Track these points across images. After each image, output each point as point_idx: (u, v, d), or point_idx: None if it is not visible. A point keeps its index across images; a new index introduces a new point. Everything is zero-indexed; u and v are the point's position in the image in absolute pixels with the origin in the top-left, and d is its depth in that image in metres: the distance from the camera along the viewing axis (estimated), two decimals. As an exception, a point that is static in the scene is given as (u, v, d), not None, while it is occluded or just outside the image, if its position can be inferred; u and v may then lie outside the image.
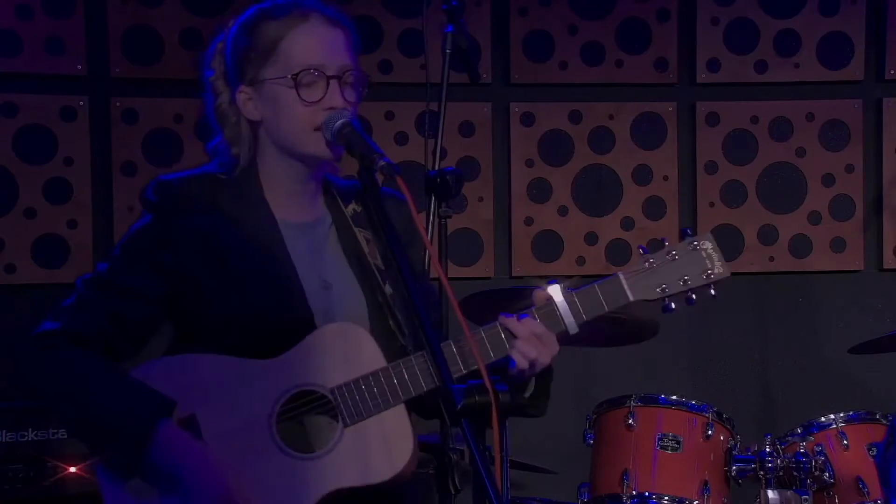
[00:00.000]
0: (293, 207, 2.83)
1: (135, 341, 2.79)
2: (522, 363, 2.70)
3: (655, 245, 2.80)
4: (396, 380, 2.67)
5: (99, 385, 2.69)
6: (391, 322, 2.80)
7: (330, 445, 2.66)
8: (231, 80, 2.82)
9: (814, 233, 5.71)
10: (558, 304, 2.74)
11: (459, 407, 2.26)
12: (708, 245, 2.81)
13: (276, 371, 2.68)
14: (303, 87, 2.72)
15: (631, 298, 2.77)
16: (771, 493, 4.30)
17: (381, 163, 2.57)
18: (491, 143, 5.60)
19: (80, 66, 5.30)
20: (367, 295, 2.81)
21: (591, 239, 5.63)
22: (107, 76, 5.35)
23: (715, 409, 4.42)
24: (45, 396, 2.72)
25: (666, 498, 4.31)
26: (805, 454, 4.34)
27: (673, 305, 2.78)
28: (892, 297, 5.69)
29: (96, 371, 2.70)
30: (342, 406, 2.66)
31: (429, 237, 3.20)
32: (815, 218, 5.71)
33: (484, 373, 2.36)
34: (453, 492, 2.88)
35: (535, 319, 2.73)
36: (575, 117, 5.64)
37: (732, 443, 4.43)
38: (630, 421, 4.39)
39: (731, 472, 4.38)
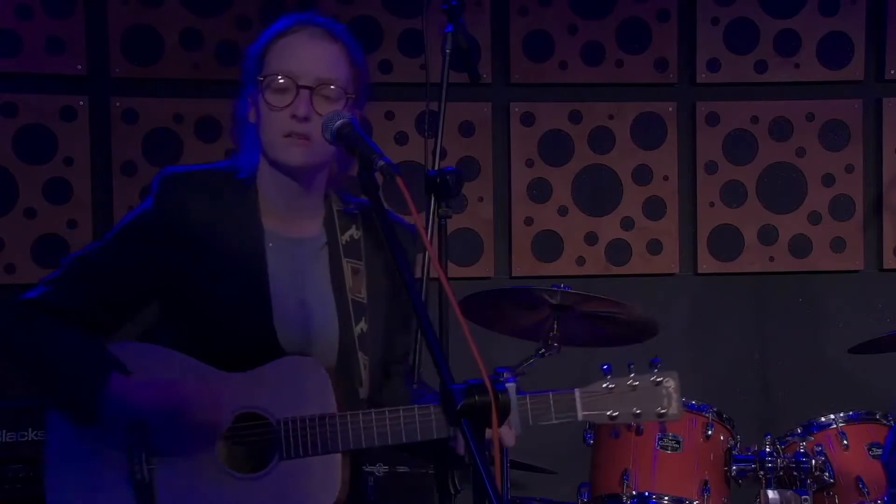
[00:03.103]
0: (287, 220, 2.87)
1: (112, 321, 2.86)
2: (460, 449, 2.75)
3: (620, 370, 2.83)
4: (340, 431, 2.73)
5: (62, 343, 2.77)
6: (355, 361, 2.85)
7: (262, 472, 2.72)
8: (243, 85, 2.89)
9: (814, 233, 5.71)
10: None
11: (459, 407, 2.25)
12: (671, 384, 2.85)
13: (233, 386, 2.74)
14: (270, 91, 2.78)
15: (579, 418, 2.81)
16: (771, 493, 4.30)
17: (381, 163, 2.57)
18: (491, 143, 5.60)
19: (80, 66, 5.30)
20: (342, 327, 2.86)
21: (591, 239, 5.63)
22: (107, 76, 5.35)
23: (715, 409, 4.42)
24: (9, 354, 2.81)
25: (666, 498, 4.31)
26: (805, 454, 4.34)
27: (618, 432, 2.83)
28: (892, 297, 5.69)
29: (62, 334, 2.78)
30: (284, 439, 2.72)
31: (429, 237, 3.20)
32: (815, 218, 5.71)
33: (484, 373, 2.36)
34: (453, 492, 2.88)
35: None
36: (575, 117, 5.64)
37: (732, 443, 4.43)
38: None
39: (731, 472, 4.38)
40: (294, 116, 2.75)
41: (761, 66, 5.68)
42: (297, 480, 2.72)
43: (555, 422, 2.76)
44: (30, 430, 4.53)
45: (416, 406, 2.76)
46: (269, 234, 2.84)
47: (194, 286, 2.79)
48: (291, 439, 2.72)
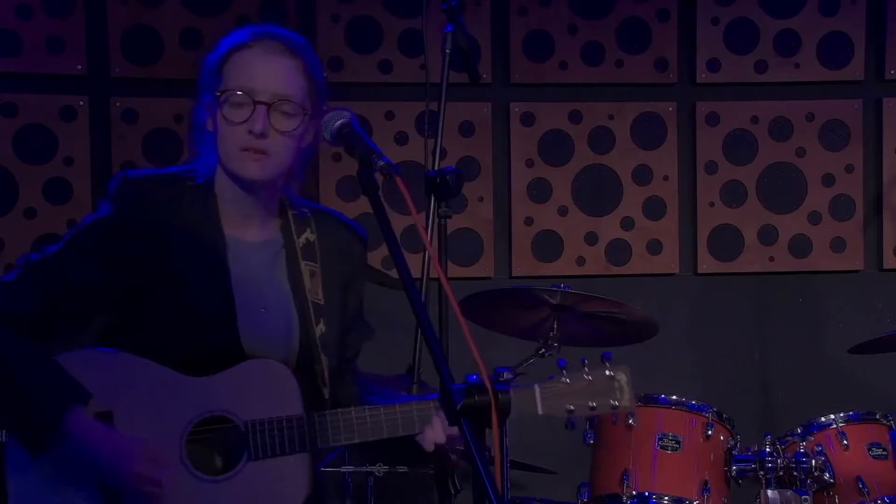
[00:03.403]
0: (245, 226, 2.89)
1: (68, 328, 2.85)
2: (427, 446, 2.82)
3: (574, 365, 2.91)
4: (308, 432, 2.77)
5: (17, 364, 2.75)
6: (316, 361, 2.88)
7: (230, 473, 2.75)
8: (200, 93, 2.91)
9: (814, 233, 5.71)
10: None
11: (459, 407, 2.25)
12: (623, 378, 2.93)
13: (199, 391, 2.77)
14: (230, 105, 2.79)
15: (540, 413, 2.88)
16: (771, 493, 4.30)
17: (381, 163, 2.58)
18: (491, 143, 5.60)
19: (80, 66, 5.30)
20: (302, 329, 2.89)
21: (591, 239, 5.63)
22: (107, 76, 5.35)
23: (715, 409, 4.42)
24: None
25: (666, 498, 4.31)
26: (805, 454, 4.34)
27: (575, 423, 2.94)
28: (892, 297, 5.69)
29: (16, 351, 2.77)
30: (252, 440, 2.75)
31: (429, 237, 3.20)
32: (815, 218, 5.71)
33: (484, 373, 2.36)
34: (453, 492, 2.88)
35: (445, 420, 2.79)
36: (575, 117, 5.64)
37: (732, 443, 4.42)
38: (630, 421, 4.38)
39: (731, 472, 4.38)
40: (251, 132, 2.78)
41: (761, 66, 5.68)
42: (266, 480, 2.75)
43: (514, 416, 2.77)
44: None
45: (381, 406, 2.81)
46: (229, 239, 2.87)
47: (155, 291, 2.80)
48: (259, 440, 2.75)
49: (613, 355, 2.94)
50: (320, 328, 2.89)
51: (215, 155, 2.86)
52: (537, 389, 2.87)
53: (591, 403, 2.89)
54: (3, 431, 4.39)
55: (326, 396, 2.88)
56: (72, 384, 2.74)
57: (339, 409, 2.81)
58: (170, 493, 2.72)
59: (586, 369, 2.90)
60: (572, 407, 2.88)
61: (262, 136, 2.77)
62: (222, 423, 2.77)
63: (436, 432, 2.80)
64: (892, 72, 5.70)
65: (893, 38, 5.69)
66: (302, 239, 2.94)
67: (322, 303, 2.91)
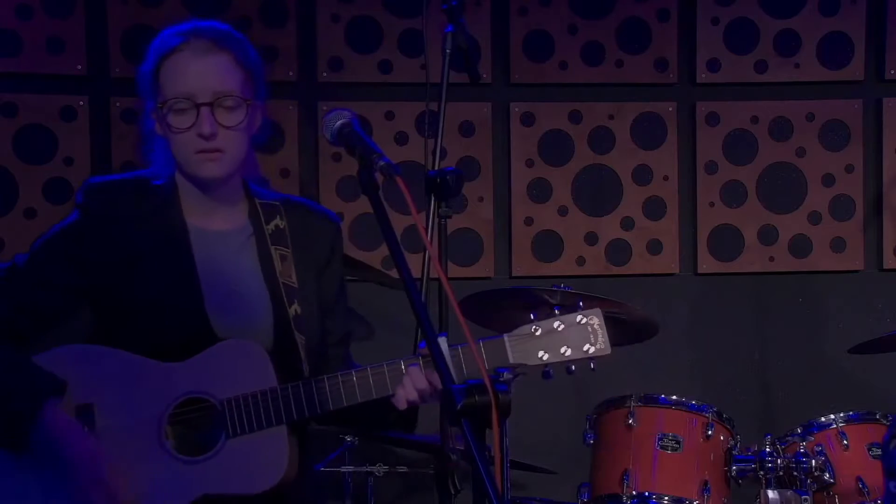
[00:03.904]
0: (209, 216, 2.94)
1: (41, 331, 2.92)
2: (401, 405, 2.85)
3: (546, 313, 2.89)
4: (282, 402, 2.80)
5: None
6: (293, 341, 2.91)
7: (211, 453, 2.79)
8: (141, 102, 2.96)
9: (814, 233, 5.71)
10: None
11: (459, 407, 2.26)
12: (595, 321, 2.90)
13: (175, 375, 2.82)
14: (174, 114, 2.84)
15: (511, 361, 2.86)
16: (771, 493, 4.30)
17: (381, 163, 2.59)
18: (491, 143, 5.60)
19: (80, 66, 5.30)
20: (276, 310, 2.93)
21: (591, 239, 5.63)
22: (107, 76, 5.35)
23: (715, 409, 4.42)
24: None
25: (666, 498, 4.31)
26: (805, 454, 4.34)
27: (551, 372, 2.88)
28: (892, 297, 5.69)
29: None
30: (229, 418, 2.79)
31: (429, 237, 3.20)
32: (815, 218, 5.71)
33: (484, 373, 2.36)
34: (453, 492, 2.88)
35: (421, 372, 2.83)
36: (575, 117, 5.64)
37: (732, 443, 4.43)
38: (630, 421, 4.39)
39: (731, 472, 4.38)
40: (200, 135, 2.82)
41: (761, 66, 5.68)
42: (244, 458, 2.78)
43: (487, 369, 2.81)
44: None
45: (352, 370, 2.83)
46: (193, 229, 2.92)
47: (124, 286, 2.86)
48: (236, 417, 2.78)
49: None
50: (294, 309, 2.93)
51: (171, 158, 2.91)
52: (506, 339, 2.86)
53: (563, 350, 2.86)
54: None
55: (306, 374, 2.91)
56: (46, 377, 2.80)
57: (312, 378, 2.84)
58: (152, 477, 2.77)
59: (557, 315, 2.88)
60: (545, 355, 2.86)
61: (212, 136, 2.83)
62: (200, 403, 2.81)
63: (407, 390, 2.82)
64: (892, 72, 5.70)
65: (893, 38, 5.69)
66: (271, 226, 2.98)
67: (295, 285, 2.95)
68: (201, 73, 2.84)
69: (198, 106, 2.82)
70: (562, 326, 2.88)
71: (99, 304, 2.91)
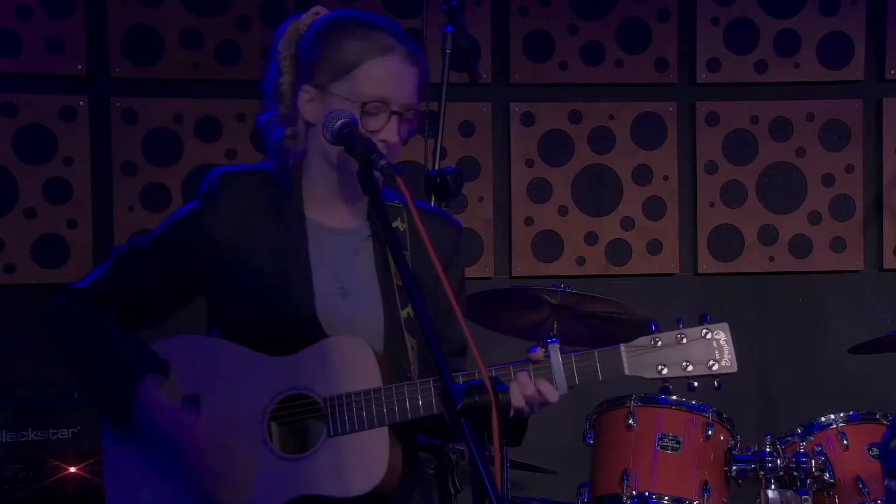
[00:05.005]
0: (330, 212, 2.89)
1: (154, 312, 2.93)
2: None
3: (668, 325, 2.78)
4: (386, 404, 2.73)
5: (100, 335, 2.84)
6: (403, 344, 2.85)
7: (310, 451, 2.73)
8: (298, 72, 2.86)
9: (814, 233, 5.71)
10: (553, 366, 2.75)
11: (459, 407, 2.25)
12: (721, 336, 2.80)
13: (280, 370, 2.76)
14: (367, 115, 2.77)
15: (627, 373, 2.74)
16: (771, 493, 4.30)
17: (381, 163, 2.59)
18: (491, 143, 5.60)
19: (80, 66, 5.31)
20: (387, 312, 2.86)
21: (591, 239, 5.63)
22: (107, 76, 5.35)
23: (715, 409, 4.42)
24: (56, 342, 2.87)
25: (666, 498, 4.30)
26: (805, 454, 4.34)
27: (671, 388, 2.76)
28: (892, 297, 5.69)
29: (102, 324, 2.85)
30: (331, 416, 2.72)
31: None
32: (815, 218, 5.71)
33: (484, 373, 2.36)
34: (453, 492, 2.88)
35: (530, 379, 2.75)
36: (575, 117, 5.64)
37: (732, 443, 4.42)
38: (630, 421, 4.38)
39: (731, 472, 4.38)
40: (383, 140, 2.77)
41: (761, 66, 5.68)
42: (342, 459, 2.71)
43: (601, 380, 2.71)
44: (30, 430, 4.54)
45: (460, 374, 2.71)
46: (311, 224, 2.87)
47: (237, 276, 2.83)
48: (338, 415, 2.72)
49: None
50: (407, 311, 2.85)
51: (301, 142, 2.85)
52: (623, 349, 2.75)
53: (685, 364, 2.74)
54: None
55: (414, 378, 2.82)
56: (149, 354, 2.79)
57: (418, 380, 2.76)
58: (253, 473, 2.72)
59: (681, 327, 2.78)
60: (664, 369, 2.74)
61: (395, 146, 2.81)
62: (303, 400, 2.76)
63: (514, 397, 2.72)
64: (892, 72, 5.70)
65: (893, 38, 5.69)
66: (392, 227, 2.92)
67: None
68: (405, 81, 2.80)
69: (391, 113, 2.78)
70: (684, 339, 2.77)
71: (211, 291, 2.88)
